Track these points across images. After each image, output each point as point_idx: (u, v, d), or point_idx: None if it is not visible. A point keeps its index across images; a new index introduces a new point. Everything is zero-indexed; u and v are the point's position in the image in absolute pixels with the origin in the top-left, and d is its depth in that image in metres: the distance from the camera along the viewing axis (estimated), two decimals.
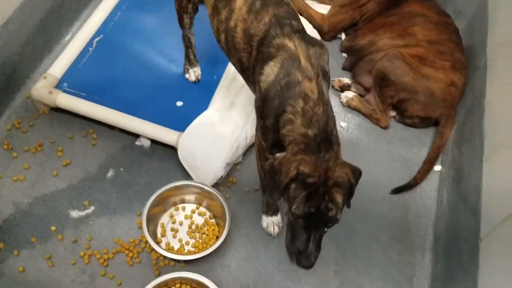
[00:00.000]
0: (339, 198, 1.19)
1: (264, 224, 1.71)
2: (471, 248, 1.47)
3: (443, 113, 1.96)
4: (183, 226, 1.69)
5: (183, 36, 1.87)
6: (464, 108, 1.97)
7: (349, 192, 1.23)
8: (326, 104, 1.25)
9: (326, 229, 1.25)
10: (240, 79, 2.01)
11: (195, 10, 1.73)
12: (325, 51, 1.34)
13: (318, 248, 1.25)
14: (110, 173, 1.81)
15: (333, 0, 2.24)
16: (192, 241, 1.65)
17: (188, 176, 1.79)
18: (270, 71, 1.29)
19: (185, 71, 2.00)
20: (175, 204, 1.72)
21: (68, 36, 2.16)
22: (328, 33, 2.23)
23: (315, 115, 1.22)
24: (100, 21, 2.12)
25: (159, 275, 1.56)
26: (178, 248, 1.63)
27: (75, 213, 1.70)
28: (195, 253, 1.57)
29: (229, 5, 1.40)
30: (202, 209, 1.73)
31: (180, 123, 1.82)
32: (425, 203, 1.88)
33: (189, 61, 1.98)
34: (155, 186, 1.75)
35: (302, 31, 1.35)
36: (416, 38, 1.97)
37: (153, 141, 1.89)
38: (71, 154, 1.84)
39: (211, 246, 1.57)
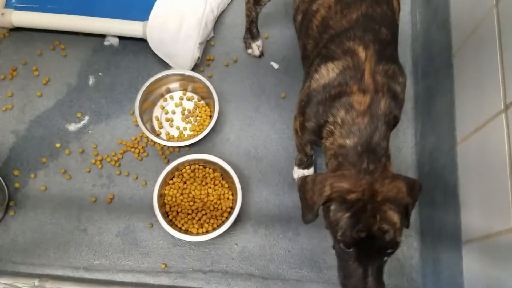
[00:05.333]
0: (394, 216, 0.97)
1: (295, 176, 1.65)
2: (446, 64, 1.55)
3: None
4: (176, 114, 1.77)
5: (249, 11, 1.66)
6: None
7: (405, 211, 1.01)
8: (376, 118, 1.05)
9: (386, 258, 1.01)
10: None
11: None
12: (403, 75, 1.15)
13: (380, 283, 1.00)
14: (91, 80, 1.83)
15: None
16: (188, 125, 1.75)
17: (166, 64, 1.81)
18: (325, 73, 1.12)
19: (247, 45, 1.82)
20: (162, 95, 1.78)
21: None
22: None
23: (355, 125, 1.04)
24: None
25: (168, 162, 1.69)
26: (178, 135, 1.73)
27: (72, 127, 1.77)
28: (194, 136, 1.67)
29: None
30: (189, 93, 1.79)
31: (140, 12, 1.76)
32: (401, 28, 1.88)
33: (251, 35, 1.78)
34: (138, 81, 1.78)
35: (387, 43, 1.13)
36: None
37: (121, 38, 1.86)
38: (47, 71, 1.84)
39: (206, 126, 1.67)
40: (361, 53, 1.09)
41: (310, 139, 1.22)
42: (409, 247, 1.61)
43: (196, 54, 1.76)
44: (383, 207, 0.97)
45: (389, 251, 0.99)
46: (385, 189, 0.98)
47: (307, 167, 1.63)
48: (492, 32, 1.23)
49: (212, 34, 1.86)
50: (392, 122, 1.11)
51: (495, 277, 1.18)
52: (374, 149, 1.03)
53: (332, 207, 1.00)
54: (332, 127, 1.08)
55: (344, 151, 1.04)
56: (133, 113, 1.73)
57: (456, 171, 1.39)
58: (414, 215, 1.63)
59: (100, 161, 1.71)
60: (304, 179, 1.07)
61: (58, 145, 1.74)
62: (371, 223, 0.95)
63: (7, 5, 1.82)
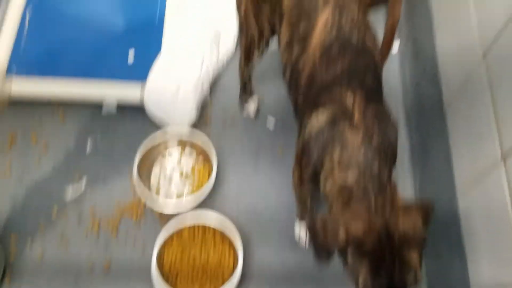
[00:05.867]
0: (414, 257, 0.94)
1: (296, 230, 1.65)
2: (439, 117, 1.58)
3: None
4: (175, 172, 1.77)
5: (242, 71, 1.70)
6: None
7: (424, 244, 0.97)
8: (372, 149, 1.06)
9: None
10: (183, 13, 1.97)
11: (268, 45, 1.53)
12: (392, 116, 1.17)
13: None
14: (89, 144, 1.84)
15: None
16: (188, 182, 1.75)
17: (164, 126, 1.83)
18: (316, 120, 1.14)
19: (242, 105, 1.86)
20: (160, 154, 1.78)
21: None
22: None
23: (353, 157, 1.04)
24: None
25: (167, 222, 1.66)
26: (177, 193, 1.73)
27: (70, 191, 1.76)
28: (193, 192, 1.68)
29: (303, 43, 1.23)
30: (187, 151, 1.80)
31: (138, 72, 1.82)
32: (391, 85, 1.95)
33: (246, 94, 1.84)
34: (136, 144, 1.78)
35: (373, 89, 1.17)
36: None
37: (119, 106, 1.88)
38: (45, 137, 1.86)
39: (205, 184, 1.66)
40: (349, 97, 1.12)
41: (310, 188, 1.21)
42: None
43: (193, 115, 1.79)
44: (401, 251, 0.93)
45: None
46: (400, 228, 0.94)
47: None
48: (482, 84, 1.27)
49: (208, 96, 1.90)
50: (390, 154, 1.12)
51: None
52: (378, 178, 1.02)
53: (350, 251, 0.96)
54: (330, 167, 1.08)
55: (347, 185, 1.03)
56: (131, 177, 1.73)
57: (459, 222, 1.38)
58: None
59: (98, 226, 1.69)
60: (313, 220, 1.02)
61: (55, 210, 1.72)
62: (392, 271, 0.92)
63: (8, 73, 1.86)
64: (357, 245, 0.94)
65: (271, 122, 1.88)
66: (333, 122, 1.11)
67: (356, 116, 1.10)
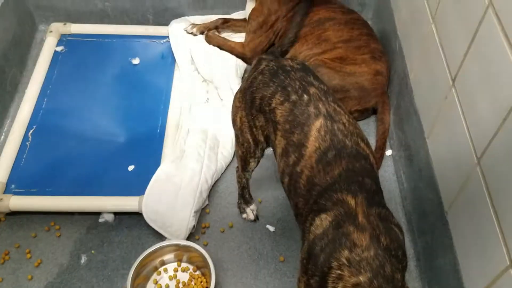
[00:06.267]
0: None
1: None
2: (440, 221, 1.55)
3: (378, 101, 2.07)
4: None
5: (240, 178, 1.76)
6: (394, 92, 2.08)
7: None
8: (382, 250, 1.04)
9: None
10: (183, 123, 2.05)
11: (263, 154, 1.59)
12: (395, 220, 1.18)
13: None
14: (83, 259, 1.78)
15: (246, 27, 2.32)
16: None
17: (160, 236, 1.79)
18: (320, 224, 1.14)
19: (241, 210, 1.87)
20: (156, 268, 1.71)
21: (2, 137, 2.11)
22: (252, 58, 2.31)
23: (363, 260, 1.02)
24: (29, 112, 2.08)
25: None
26: None
27: None
28: None
29: (299, 150, 1.27)
30: (184, 264, 1.73)
31: (137, 187, 1.83)
32: (388, 188, 1.96)
33: (245, 200, 1.85)
34: (131, 256, 1.73)
35: (373, 192, 1.19)
36: (331, 42, 2.08)
37: (117, 213, 1.88)
38: (40, 253, 1.80)
39: None
40: (351, 201, 1.13)
41: None
42: None
43: (192, 222, 1.76)
44: None
45: None
46: None
47: None
48: (480, 188, 1.27)
49: (207, 202, 1.90)
50: (401, 255, 1.08)
51: None
52: (391, 281, 0.99)
53: None
54: (339, 271, 1.04)
55: None
56: None
57: None
58: None
59: None
60: None
61: None
62: None
63: (7, 190, 1.87)
64: None
65: (271, 228, 1.85)
66: (337, 224, 1.09)
67: (360, 217, 1.09)
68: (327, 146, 1.23)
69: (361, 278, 1.00)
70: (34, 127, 2.06)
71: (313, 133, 1.26)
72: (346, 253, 1.04)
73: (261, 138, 1.48)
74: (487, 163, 1.25)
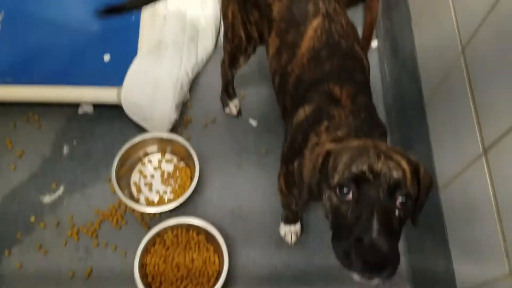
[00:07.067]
0: (402, 161, 0.85)
1: (282, 233, 1.63)
2: (419, 113, 1.58)
3: None
4: (155, 178, 1.73)
5: (225, 72, 1.70)
6: None
7: (417, 178, 0.88)
8: (361, 120, 1.05)
9: (397, 206, 0.83)
10: (160, 11, 1.93)
11: (255, 51, 1.51)
12: (383, 126, 1.13)
13: (389, 233, 0.79)
14: (65, 150, 1.79)
15: None
16: (168, 189, 1.71)
17: (142, 129, 1.79)
18: (302, 112, 1.13)
19: (224, 104, 1.85)
20: (140, 159, 1.74)
21: None
22: None
23: (343, 122, 1.04)
24: None
25: (148, 229, 1.63)
26: (158, 200, 1.68)
27: (47, 198, 1.71)
28: (175, 199, 1.63)
29: (292, 50, 1.23)
30: (168, 156, 1.76)
31: (115, 77, 1.77)
32: (371, 80, 1.95)
33: (228, 94, 1.82)
34: (114, 148, 1.74)
35: (362, 86, 1.16)
36: None
37: (96, 105, 1.85)
38: (21, 144, 1.80)
39: (187, 188, 1.63)
40: (337, 90, 1.12)
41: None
42: None
43: (173, 116, 1.75)
44: (388, 151, 0.86)
45: (401, 194, 0.82)
46: (390, 147, 0.88)
47: (293, 222, 1.60)
48: (461, 78, 1.27)
49: (188, 96, 1.87)
50: (379, 133, 1.10)
51: None
52: (371, 133, 1.02)
53: (331, 159, 0.89)
54: (315, 138, 1.05)
55: (338, 137, 1.01)
56: (110, 180, 1.68)
57: (442, 218, 1.38)
58: (404, 263, 1.59)
59: (77, 233, 1.64)
60: (302, 156, 0.97)
61: (32, 218, 1.66)
62: (374, 159, 0.83)
63: None
64: (340, 147, 0.90)
65: (253, 122, 1.86)
66: (319, 110, 1.09)
67: (343, 100, 1.09)
68: (322, 45, 1.19)
69: (339, 133, 1.01)
70: (3, 12, 1.93)
71: (309, 32, 1.20)
72: (325, 123, 1.05)
73: (255, 34, 1.41)
74: (471, 52, 1.24)
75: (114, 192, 1.68)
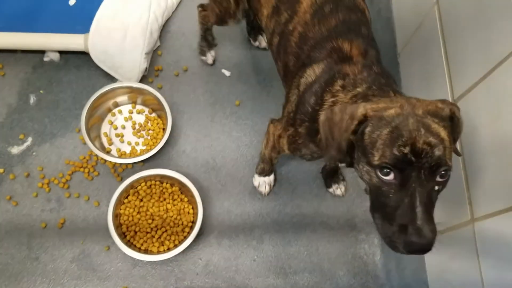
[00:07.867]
0: (441, 131, 0.84)
1: (256, 183, 1.63)
2: (392, 63, 1.58)
3: None
4: (126, 129, 1.70)
5: (204, 20, 1.65)
6: None
7: (455, 127, 0.88)
8: (375, 74, 1.03)
9: (438, 184, 0.84)
10: None
11: (244, 15, 1.44)
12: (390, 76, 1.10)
13: (431, 214, 0.82)
14: (32, 99, 1.73)
15: None
16: (141, 140, 1.69)
17: (112, 77, 1.74)
18: (312, 73, 1.10)
19: (202, 52, 1.79)
20: (110, 110, 1.70)
21: None
22: None
23: (358, 79, 1.02)
24: None
25: (121, 180, 1.62)
26: (130, 151, 1.66)
27: (15, 149, 1.67)
28: (147, 150, 1.61)
29: (292, 7, 1.18)
30: (138, 106, 1.73)
31: (81, 23, 1.69)
32: None
33: (208, 42, 1.77)
34: (82, 97, 1.70)
35: (369, 39, 1.13)
36: None
37: (62, 52, 1.77)
38: None
39: (160, 139, 1.61)
40: (347, 47, 1.08)
41: (307, 151, 1.16)
42: (371, 245, 1.62)
43: (143, 64, 1.70)
44: (426, 120, 0.83)
45: (441, 170, 0.82)
46: (425, 107, 0.85)
47: (268, 174, 1.61)
48: (434, 28, 1.26)
49: (158, 43, 1.81)
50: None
51: (457, 269, 1.20)
52: (389, 84, 1.00)
53: (368, 129, 0.86)
54: (332, 99, 1.02)
55: (360, 93, 0.98)
56: (80, 130, 1.65)
57: None
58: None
59: (48, 184, 1.62)
60: (331, 111, 0.93)
61: (1, 170, 1.63)
62: (415, 136, 0.81)
63: None
64: (377, 116, 0.85)
65: (227, 73, 1.82)
66: (330, 68, 1.06)
67: (355, 57, 1.07)
68: (324, 0, 1.14)
69: (359, 89, 0.99)
70: None
71: None
72: (339, 82, 1.02)
73: None
74: (445, 3, 1.23)
75: (84, 143, 1.65)
